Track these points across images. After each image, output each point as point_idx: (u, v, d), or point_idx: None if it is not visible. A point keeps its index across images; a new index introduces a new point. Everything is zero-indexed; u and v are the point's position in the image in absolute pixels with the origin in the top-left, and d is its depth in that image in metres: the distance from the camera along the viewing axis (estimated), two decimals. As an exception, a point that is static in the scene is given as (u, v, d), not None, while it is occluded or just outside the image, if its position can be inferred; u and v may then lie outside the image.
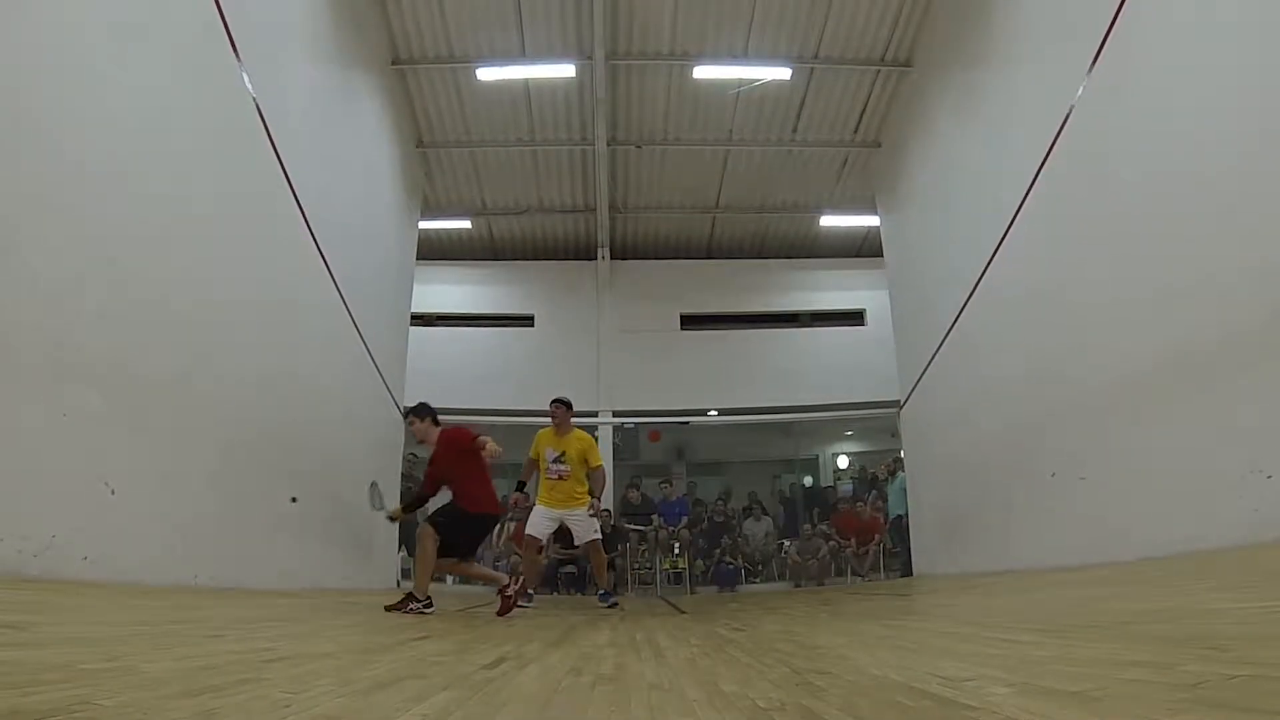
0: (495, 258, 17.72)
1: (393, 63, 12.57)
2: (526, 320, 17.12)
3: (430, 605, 6.30)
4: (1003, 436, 9.40)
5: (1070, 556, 7.25)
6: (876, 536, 14.59)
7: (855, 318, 17.21)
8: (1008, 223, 9.00)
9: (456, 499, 6.97)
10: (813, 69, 13.14)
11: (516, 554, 13.96)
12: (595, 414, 16.12)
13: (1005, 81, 9.47)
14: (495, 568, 14.43)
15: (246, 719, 1.69)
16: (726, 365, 16.51)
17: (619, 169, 15.45)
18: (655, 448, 18.33)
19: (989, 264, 9.60)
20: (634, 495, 15.66)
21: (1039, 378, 8.38)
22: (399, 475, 13.56)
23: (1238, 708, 1.48)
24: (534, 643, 3.83)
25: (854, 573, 14.32)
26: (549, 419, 8.94)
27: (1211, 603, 3.52)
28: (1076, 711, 1.59)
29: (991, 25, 9.73)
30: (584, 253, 17.27)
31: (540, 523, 8.72)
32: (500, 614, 6.46)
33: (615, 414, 16.11)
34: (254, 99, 7.02)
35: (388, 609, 6.20)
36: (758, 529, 15.45)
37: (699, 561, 14.70)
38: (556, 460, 8.65)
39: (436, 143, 14.57)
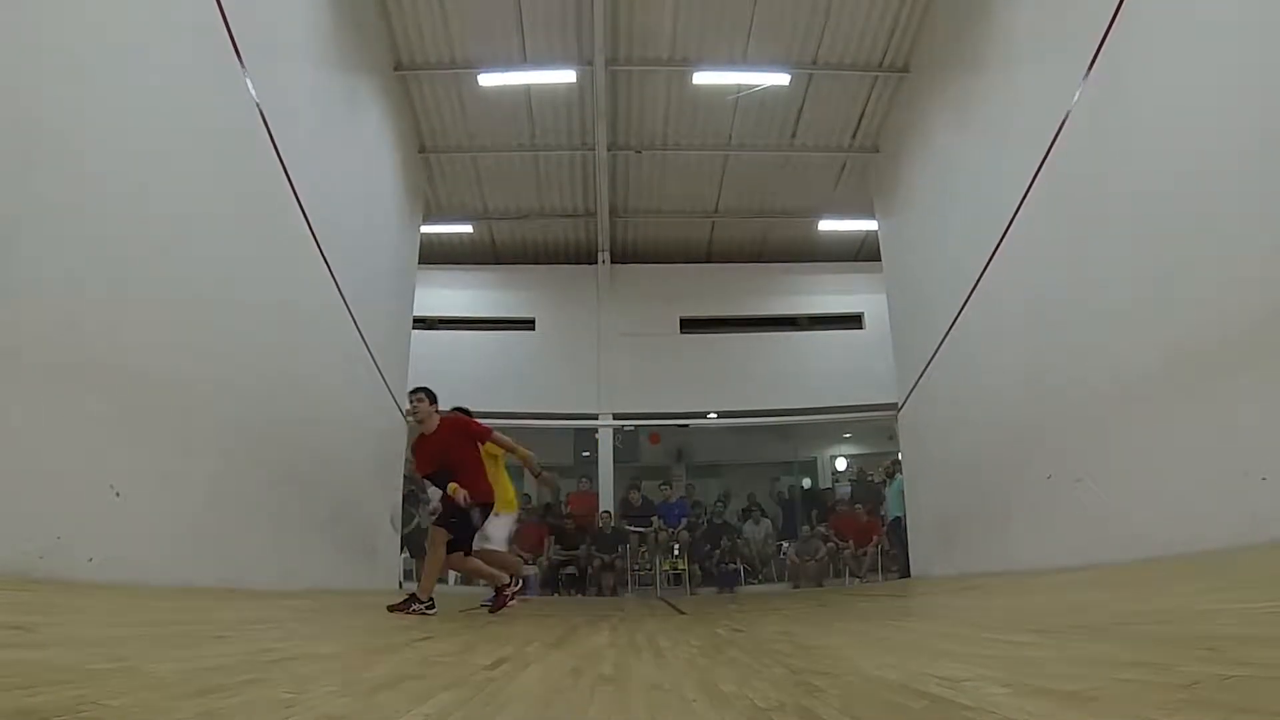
0: (497, 262, 17.73)
1: (395, 69, 12.58)
2: (528, 324, 17.14)
3: (433, 607, 6.30)
4: (1000, 439, 9.39)
5: (1066, 558, 7.24)
6: (875, 538, 14.59)
7: (853, 321, 17.24)
8: (1005, 227, 8.99)
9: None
10: (811, 75, 13.15)
11: (518, 555, 13.97)
12: (596, 416, 16.15)
13: (1002, 87, 9.47)
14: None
15: (250, 719, 1.69)
16: (726, 368, 16.53)
17: (619, 174, 15.45)
18: (655, 450, 18.35)
19: (986, 268, 9.60)
20: (635, 497, 15.66)
21: (1036, 381, 8.38)
22: (401, 477, 13.56)
23: (1233, 708, 1.47)
24: (535, 643, 3.83)
25: (852, 574, 14.32)
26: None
27: (1207, 604, 3.52)
28: (1073, 711, 1.59)
29: (988, 31, 9.74)
30: (585, 257, 17.29)
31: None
32: (493, 610, 6.50)
33: (615, 416, 16.12)
34: (257, 104, 7.03)
35: (391, 609, 6.19)
36: (757, 531, 15.44)
37: (696, 566, 14.69)
38: None
39: (438, 148, 14.58)
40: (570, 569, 14.09)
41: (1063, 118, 7.72)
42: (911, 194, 13.05)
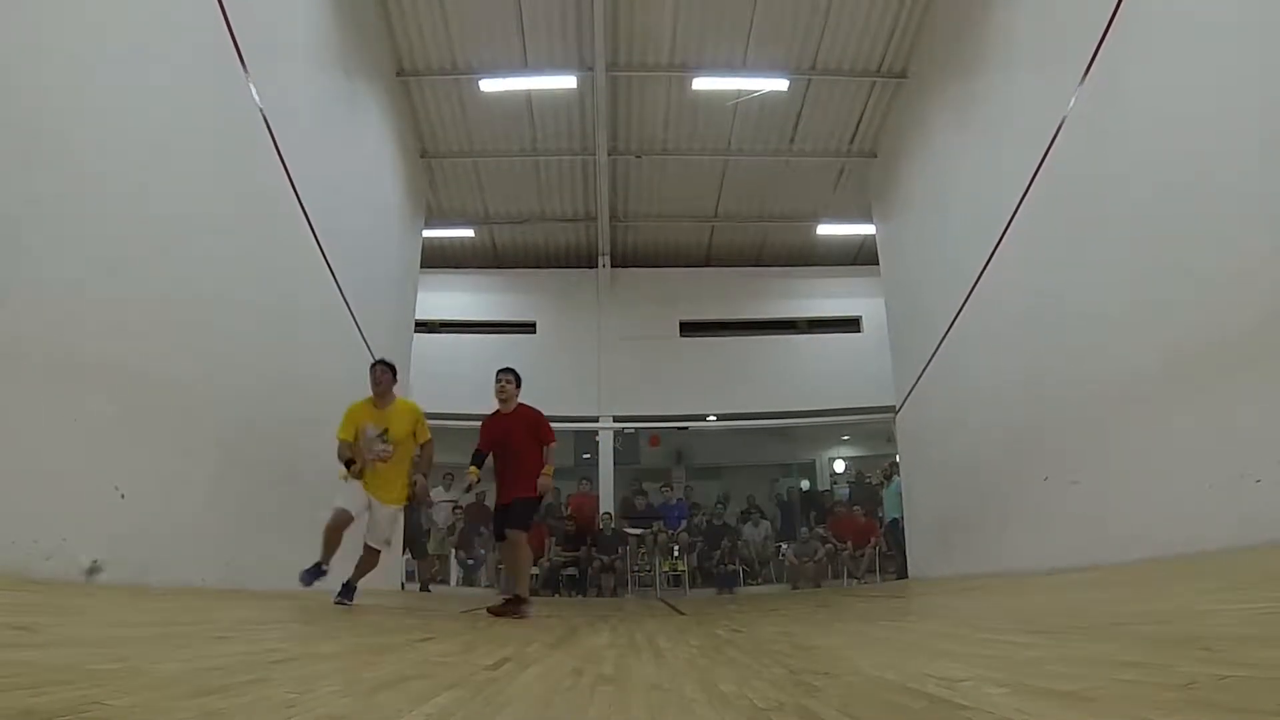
0: (498, 266, 17.74)
1: (397, 74, 12.60)
2: (529, 327, 17.15)
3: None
4: (997, 441, 9.39)
5: (1063, 559, 7.23)
6: (873, 539, 14.58)
7: (851, 325, 17.25)
8: (1001, 231, 9.00)
9: (510, 486, 7.03)
10: (810, 80, 13.17)
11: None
12: (596, 419, 16.15)
13: (999, 92, 9.48)
14: (498, 569, 14.48)
15: (253, 719, 1.69)
16: (725, 371, 16.54)
17: (619, 178, 15.47)
18: (655, 452, 18.35)
19: (983, 271, 9.60)
20: (640, 502, 15.67)
21: (1033, 383, 8.38)
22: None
23: (1229, 708, 1.47)
24: (536, 644, 3.83)
25: (850, 575, 14.31)
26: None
27: (1203, 604, 3.52)
28: (1070, 711, 1.59)
29: (985, 37, 9.75)
30: (585, 261, 17.31)
31: (354, 499, 6.57)
32: (492, 611, 6.53)
33: (616, 419, 16.13)
34: (260, 108, 7.03)
35: (493, 612, 6.48)
36: (756, 532, 15.43)
37: (696, 567, 14.69)
38: (380, 436, 6.67)
39: (440, 153, 14.60)
40: (571, 570, 14.08)
41: (1060, 122, 7.73)
42: (909, 198, 13.06)
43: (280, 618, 4.75)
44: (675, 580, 14.33)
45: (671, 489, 16.32)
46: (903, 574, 13.55)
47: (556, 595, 13.55)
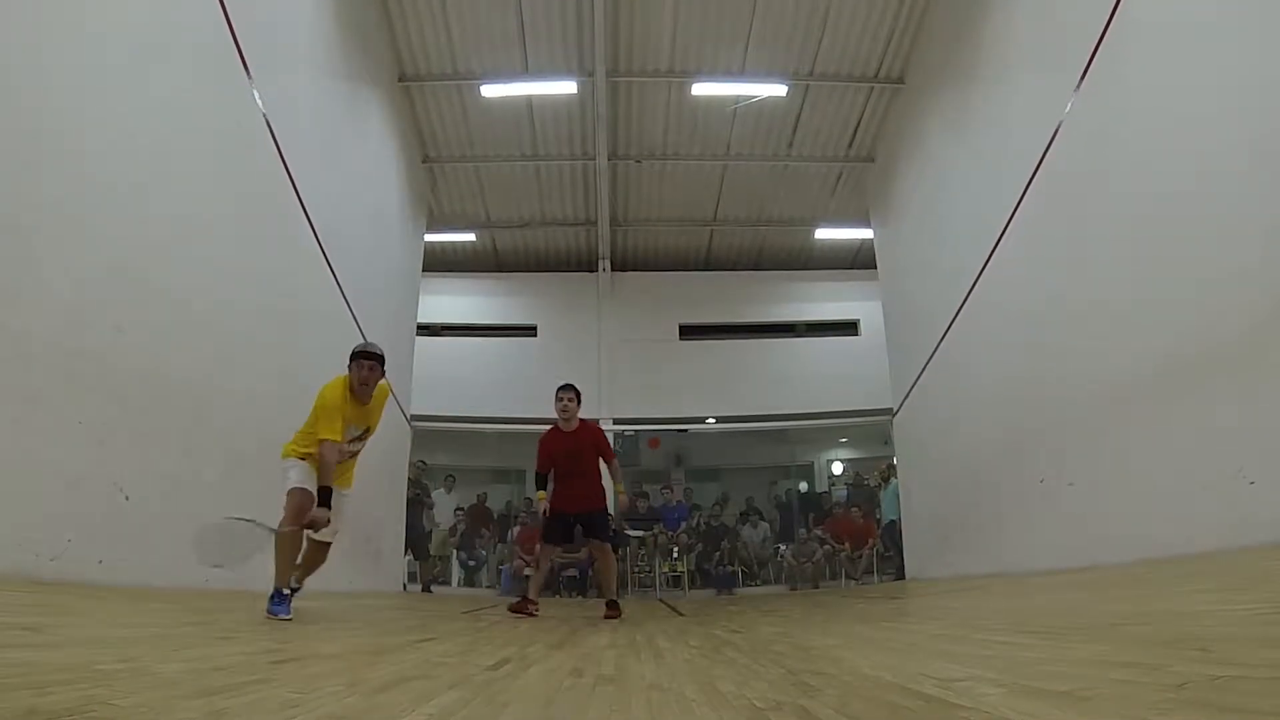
0: (499, 269, 17.75)
1: (399, 80, 12.61)
2: (530, 330, 17.16)
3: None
4: (993, 443, 9.39)
5: (1059, 560, 7.23)
6: (870, 541, 14.58)
7: (849, 328, 17.24)
8: (998, 235, 9.00)
9: (581, 498, 7.21)
10: (808, 86, 13.18)
11: (521, 558, 13.97)
12: (597, 421, 16.11)
13: (996, 98, 9.49)
14: (499, 571, 14.50)
15: (256, 719, 1.69)
16: (724, 374, 16.54)
17: (619, 183, 15.48)
18: (655, 454, 18.32)
19: (979, 276, 9.61)
20: (641, 504, 15.67)
21: (1029, 386, 8.38)
22: (405, 482, 13.57)
23: (1222, 707, 1.48)
24: (537, 644, 3.83)
25: (848, 576, 14.32)
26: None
27: (1197, 605, 3.52)
28: (1066, 711, 1.59)
29: (982, 43, 9.76)
30: (585, 265, 17.32)
31: (308, 482, 5.63)
32: (512, 610, 6.60)
33: (616, 421, 16.11)
34: (264, 115, 7.04)
35: (609, 618, 6.56)
36: (755, 533, 15.43)
37: (695, 567, 14.70)
38: (359, 438, 5.92)
39: (442, 158, 14.61)
40: (571, 571, 14.08)
41: (1056, 127, 7.73)
42: (906, 203, 13.07)
43: (283, 618, 4.74)
44: (675, 581, 14.33)
45: (672, 491, 16.31)
46: (900, 575, 13.55)
47: (557, 596, 13.55)
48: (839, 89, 13.31)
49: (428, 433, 15.37)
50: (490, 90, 12.96)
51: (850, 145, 14.56)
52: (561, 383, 7.52)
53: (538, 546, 7.56)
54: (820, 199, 16.10)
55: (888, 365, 14.35)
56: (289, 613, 4.78)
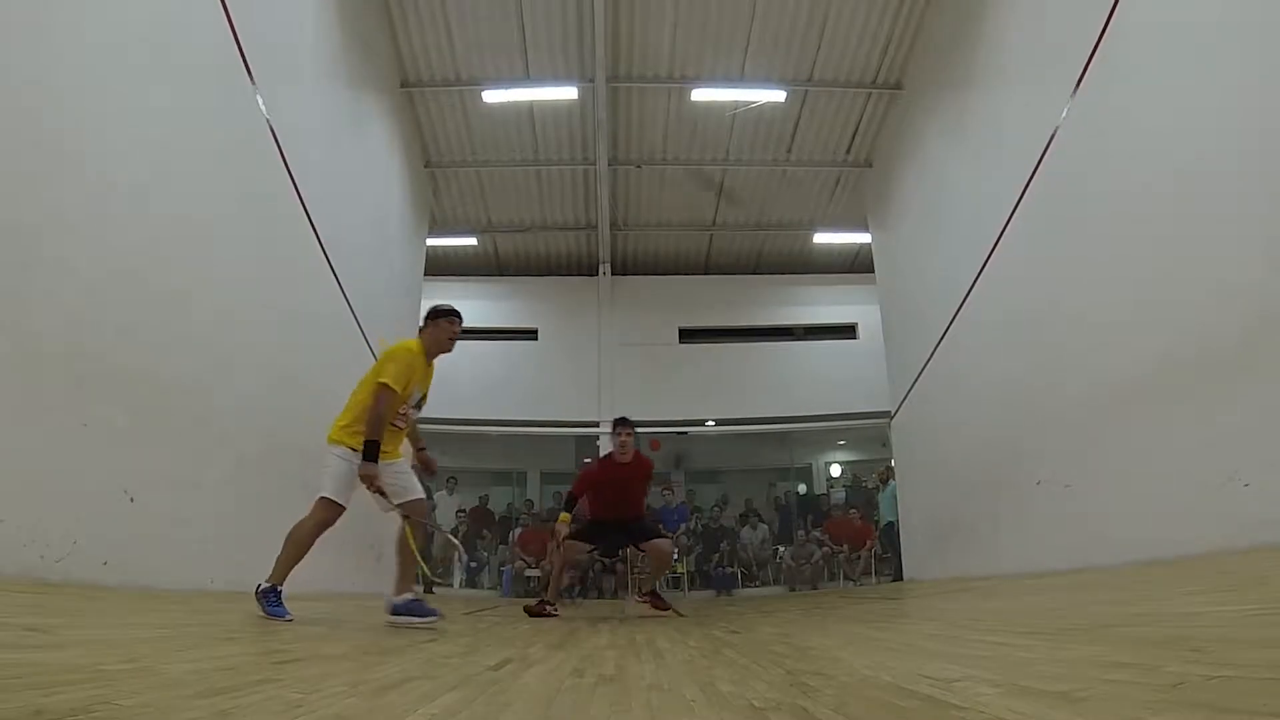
0: (500, 273, 17.76)
1: (401, 85, 12.62)
2: (531, 334, 17.16)
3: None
4: (990, 445, 9.40)
5: (1055, 561, 7.24)
6: (868, 542, 14.58)
7: (847, 331, 17.24)
8: (994, 240, 9.01)
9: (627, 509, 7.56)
10: (806, 91, 13.20)
11: (522, 559, 13.97)
12: (597, 424, 16.12)
13: (992, 103, 9.50)
14: (501, 572, 14.48)
15: (261, 719, 1.69)
16: (723, 377, 16.54)
17: (620, 188, 15.49)
18: (655, 457, 18.27)
19: (976, 279, 9.61)
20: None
21: (1025, 389, 8.38)
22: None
23: (1216, 707, 1.48)
24: (537, 645, 3.83)
25: (846, 577, 14.33)
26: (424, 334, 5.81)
27: (1192, 606, 3.52)
28: (1061, 711, 1.59)
29: (979, 49, 9.77)
30: (586, 269, 17.33)
31: (346, 481, 5.23)
32: (530, 612, 7.02)
33: (616, 424, 16.10)
34: (268, 120, 7.05)
35: (657, 608, 7.04)
36: (754, 535, 15.43)
37: (695, 568, 14.69)
38: (418, 404, 5.67)
39: (444, 162, 14.63)
40: (572, 573, 14.06)
41: (1051, 134, 7.74)
42: (904, 207, 13.07)
43: (286, 619, 4.75)
44: (674, 582, 14.32)
45: (673, 492, 16.31)
46: (898, 576, 13.55)
47: (557, 597, 13.53)
48: (837, 95, 13.33)
49: (429, 435, 15.30)
50: (491, 96, 12.98)
51: (848, 150, 14.57)
52: (618, 417, 7.66)
53: (551, 547, 7.66)
54: (819, 203, 16.12)
55: (886, 368, 14.36)
56: (289, 614, 4.55)
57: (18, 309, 3.97)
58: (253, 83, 6.70)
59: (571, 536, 7.47)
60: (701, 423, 16.83)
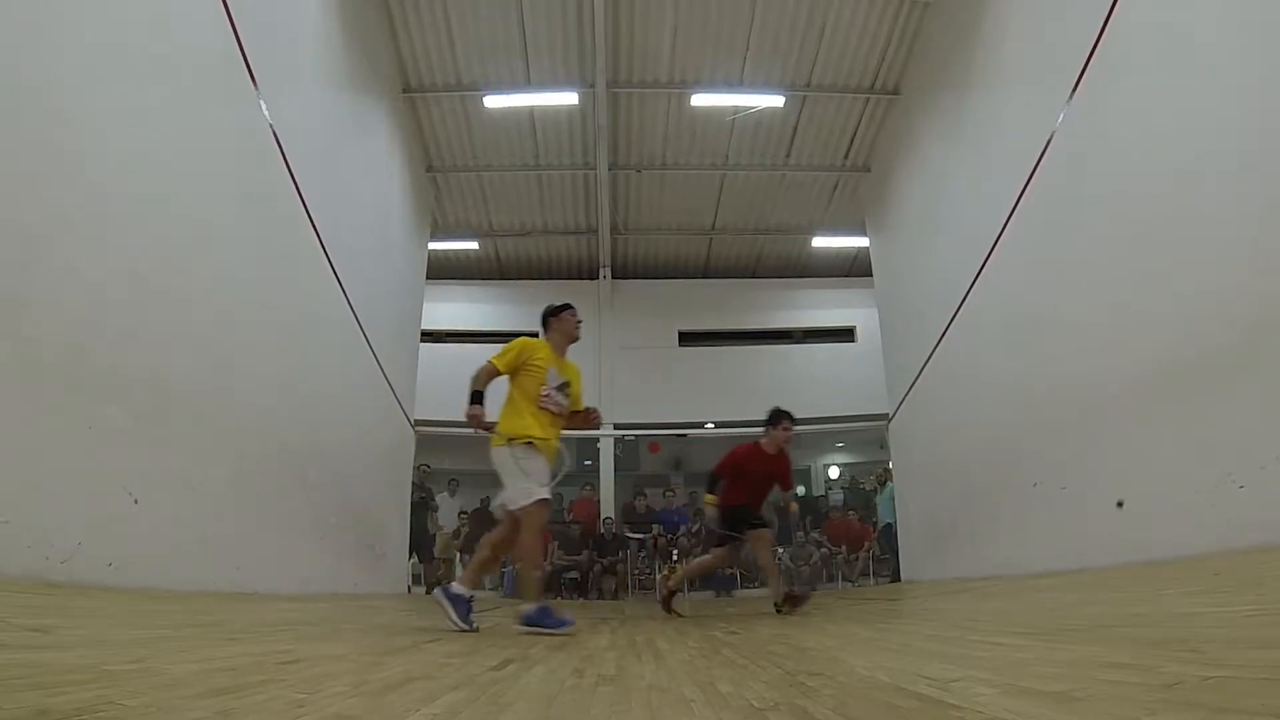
0: (501, 277, 17.78)
1: (404, 91, 12.64)
2: (531, 337, 17.09)
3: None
4: (987, 448, 9.40)
5: (1052, 562, 7.24)
6: (866, 544, 14.58)
7: (846, 335, 17.25)
8: (992, 244, 9.02)
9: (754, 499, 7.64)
10: (805, 97, 13.22)
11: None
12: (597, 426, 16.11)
13: (990, 108, 9.51)
14: (503, 573, 14.46)
15: (263, 719, 1.69)
16: (723, 380, 16.53)
17: (620, 192, 15.50)
18: (655, 459, 18.34)
19: (974, 283, 9.61)
20: (640, 504, 15.64)
21: (1022, 392, 8.38)
22: (410, 485, 13.56)
23: (1213, 707, 1.48)
24: (538, 645, 3.83)
25: (845, 578, 14.31)
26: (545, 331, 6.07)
27: (1188, 607, 3.52)
28: (1058, 711, 1.59)
29: (976, 55, 9.78)
30: (586, 272, 17.34)
31: (545, 474, 5.20)
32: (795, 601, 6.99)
33: (616, 426, 16.11)
34: (271, 125, 7.05)
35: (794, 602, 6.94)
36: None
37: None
38: (561, 388, 5.72)
39: (445, 167, 14.64)
40: (573, 573, 14.07)
41: (1048, 138, 7.75)
42: (902, 211, 13.08)
43: (290, 620, 4.75)
44: (674, 583, 14.30)
45: (674, 494, 16.31)
46: (896, 577, 13.55)
47: (559, 598, 13.54)
48: (835, 100, 13.35)
49: (431, 437, 15.35)
50: (493, 101, 13.00)
51: (847, 155, 14.59)
52: (779, 409, 7.69)
53: (691, 563, 7.66)
54: (817, 208, 16.13)
55: (884, 371, 14.37)
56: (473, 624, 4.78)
57: (20, 311, 3.97)
58: (255, 87, 6.70)
59: (719, 525, 7.74)
60: (701, 425, 16.82)
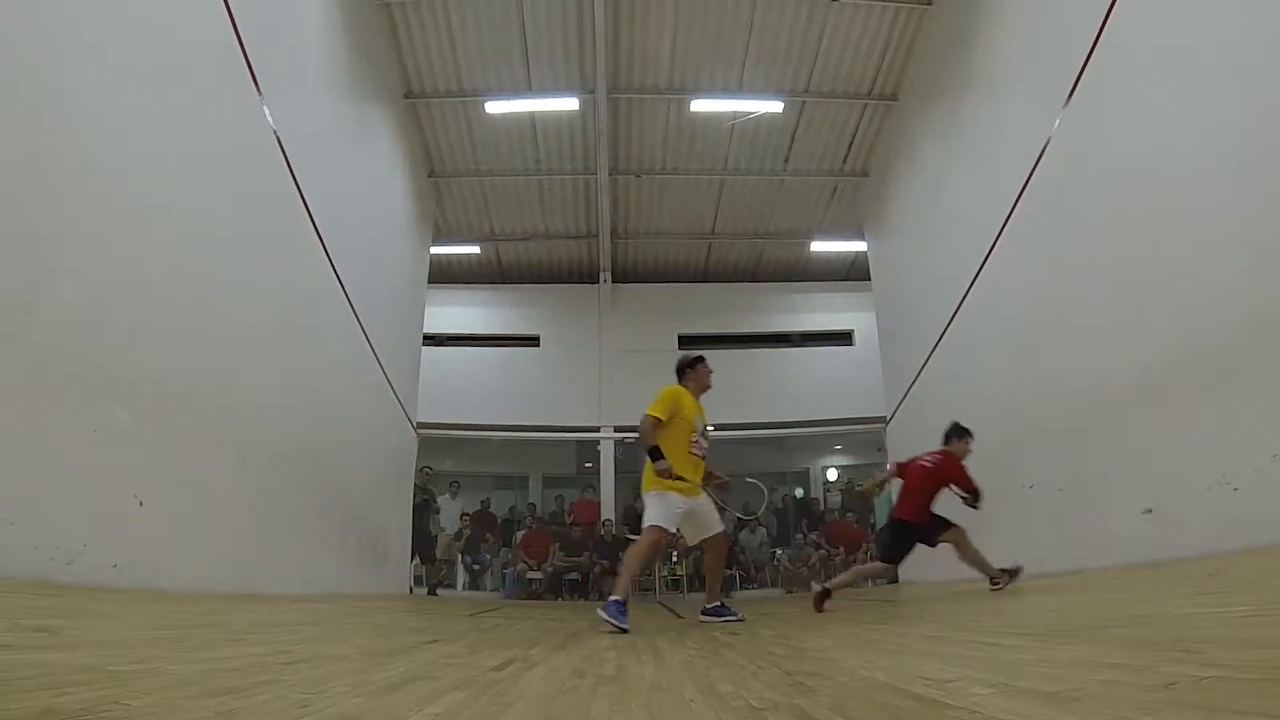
0: (503, 281, 17.78)
1: (406, 96, 12.66)
2: (532, 340, 17.16)
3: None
4: (983, 450, 9.32)
5: (1048, 564, 7.23)
6: (864, 545, 14.57)
7: (844, 338, 17.25)
8: (988, 248, 9.02)
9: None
10: (804, 102, 13.23)
11: (525, 562, 13.93)
12: (598, 429, 16.13)
13: (986, 114, 9.52)
14: (504, 574, 14.45)
15: (267, 719, 1.69)
16: (721, 383, 16.25)
17: (620, 197, 15.51)
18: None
19: (970, 287, 9.62)
20: (639, 505, 15.61)
21: (1018, 395, 8.39)
22: (412, 487, 13.56)
23: (1207, 707, 1.48)
24: (539, 646, 3.83)
25: (843, 580, 14.28)
26: (685, 378, 6.92)
27: (1182, 608, 3.52)
28: (1054, 711, 1.59)
29: (973, 61, 9.79)
30: (587, 276, 17.35)
31: (672, 513, 6.15)
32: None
33: (616, 429, 16.11)
34: (274, 131, 7.06)
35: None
36: (752, 539, 15.42)
37: (694, 571, 14.66)
38: (704, 433, 6.54)
39: (447, 172, 14.66)
40: (573, 575, 14.07)
41: (1043, 144, 7.75)
42: (899, 216, 13.09)
43: (292, 621, 4.74)
44: (674, 585, 14.31)
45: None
46: (894, 578, 13.52)
47: (560, 599, 13.54)
48: (834, 105, 13.36)
49: (433, 440, 15.37)
50: (494, 107, 13.02)
51: (845, 160, 14.60)
52: (959, 424, 7.42)
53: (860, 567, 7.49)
54: (816, 212, 16.14)
55: (881, 374, 14.37)
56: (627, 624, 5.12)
57: (28, 315, 3.97)
58: (259, 92, 6.71)
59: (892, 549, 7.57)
60: (700, 427, 16.81)
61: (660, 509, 6.08)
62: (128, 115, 4.92)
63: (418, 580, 13.48)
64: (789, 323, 17.66)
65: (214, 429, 5.94)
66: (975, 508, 6.98)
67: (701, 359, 6.79)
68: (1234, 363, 5.19)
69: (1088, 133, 7.14)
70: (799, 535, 15.62)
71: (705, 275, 17.89)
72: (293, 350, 7.65)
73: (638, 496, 15.69)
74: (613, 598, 5.27)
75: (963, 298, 9.87)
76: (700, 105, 13.22)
